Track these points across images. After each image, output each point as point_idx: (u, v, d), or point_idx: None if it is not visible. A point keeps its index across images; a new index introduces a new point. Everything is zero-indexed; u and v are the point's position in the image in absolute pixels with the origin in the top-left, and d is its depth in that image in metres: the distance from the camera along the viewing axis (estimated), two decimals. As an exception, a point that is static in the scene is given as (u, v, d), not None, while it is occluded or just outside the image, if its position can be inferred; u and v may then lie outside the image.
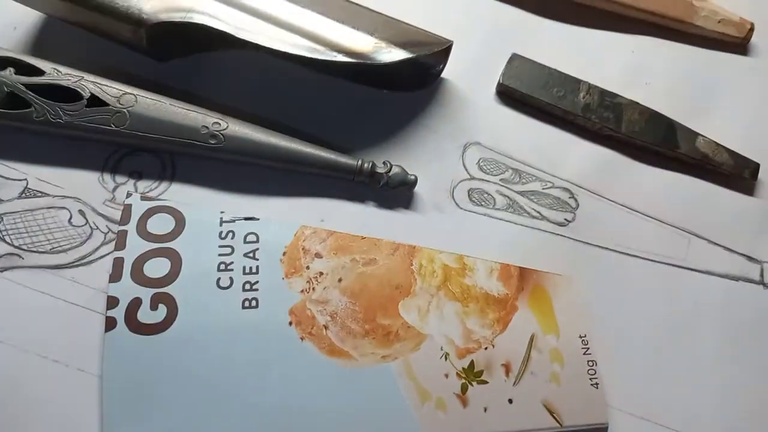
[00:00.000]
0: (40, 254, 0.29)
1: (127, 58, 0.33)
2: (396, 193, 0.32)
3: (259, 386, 0.26)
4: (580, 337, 0.29)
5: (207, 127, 0.30)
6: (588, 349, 0.28)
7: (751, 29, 0.37)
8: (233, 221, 0.30)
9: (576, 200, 0.33)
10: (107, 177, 0.31)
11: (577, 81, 0.35)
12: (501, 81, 0.35)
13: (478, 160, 0.33)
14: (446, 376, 0.27)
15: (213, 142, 0.30)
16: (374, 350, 0.27)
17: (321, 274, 0.29)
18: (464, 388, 0.27)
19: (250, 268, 0.29)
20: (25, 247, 0.29)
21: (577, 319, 0.29)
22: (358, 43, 0.31)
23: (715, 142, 0.34)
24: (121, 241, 0.28)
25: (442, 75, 0.35)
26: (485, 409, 0.27)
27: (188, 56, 0.34)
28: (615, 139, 0.34)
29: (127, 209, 0.29)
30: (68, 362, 0.27)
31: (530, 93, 0.34)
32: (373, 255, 0.30)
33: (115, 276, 0.28)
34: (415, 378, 0.27)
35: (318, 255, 0.29)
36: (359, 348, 0.27)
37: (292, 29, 0.31)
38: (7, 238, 0.29)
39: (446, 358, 0.28)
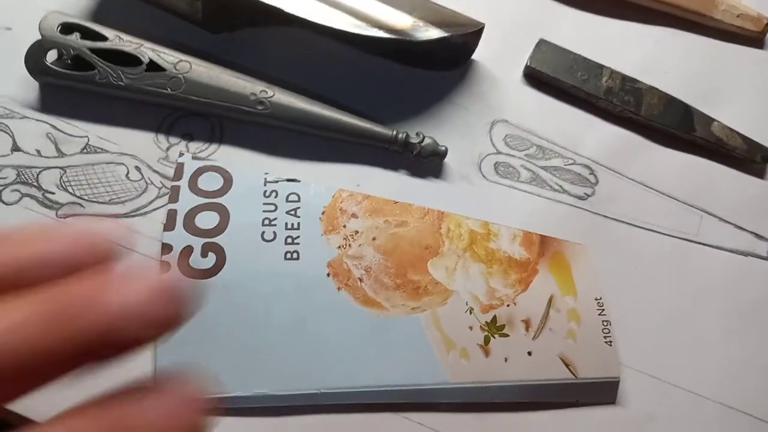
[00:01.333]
0: (100, 204, 0.31)
1: (181, 29, 0.35)
2: (427, 162, 0.34)
3: (298, 329, 0.29)
4: (596, 299, 0.31)
5: (255, 94, 0.33)
6: (603, 310, 0.31)
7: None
8: (276, 182, 0.32)
9: (596, 176, 0.35)
10: (161, 137, 0.33)
11: (600, 66, 0.37)
12: (528, 64, 0.37)
13: (505, 136, 0.35)
14: (470, 328, 0.30)
15: (260, 108, 0.33)
16: (404, 302, 0.30)
17: (356, 232, 0.31)
18: (487, 340, 0.29)
19: (292, 224, 0.31)
20: (86, 197, 0.31)
21: (593, 283, 0.31)
22: (398, 21, 0.34)
23: (729, 128, 0.36)
24: (174, 195, 0.31)
25: (473, 57, 0.37)
26: (506, 359, 0.29)
27: (238, 30, 0.36)
28: (634, 121, 0.36)
29: (179, 167, 0.32)
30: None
31: (556, 76, 0.37)
32: (405, 218, 0.32)
33: (169, 226, 0.30)
34: (441, 329, 0.29)
35: (354, 215, 0.32)
36: (391, 299, 0.30)
37: (337, 5, 0.33)
38: (69, 189, 0.32)
39: (471, 312, 0.30)
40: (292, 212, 0.31)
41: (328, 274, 0.30)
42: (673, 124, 0.36)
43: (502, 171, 0.34)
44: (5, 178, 0.31)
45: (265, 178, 0.32)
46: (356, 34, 0.33)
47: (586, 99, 0.37)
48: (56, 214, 0.31)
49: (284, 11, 0.33)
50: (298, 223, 0.31)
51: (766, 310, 0.32)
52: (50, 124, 0.33)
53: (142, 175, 0.32)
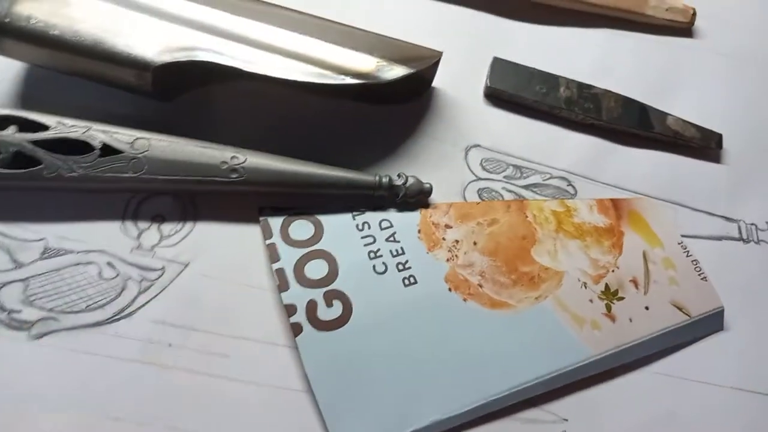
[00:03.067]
0: (77, 314, 0.28)
1: (126, 101, 0.32)
2: (414, 202, 0.33)
3: (443, 349, 0.29)
4: (679, 243, 0.34)
5: (226, 162, 0.31)
6: (688, 251, 0.34)
7: (694, 14, 0.41)
8: (363, 213, 0.32)
9: (574, 187, 0.35)
10: (129, 225, 0.30)
11: (556, 77, 0.38)
12: (488, 84, 0.37)
13: (481, 161, 0.35)
14: (590, 301, 0.31)
15: (234, 176, 0.31)
16: (526, 294, 0.31)
17: (457, 241, 0.32)
18: (608, 307, 0.31)
19: (396, 250, 0.31)
20: (58, 309, 0.28)
21: (670, 229, 0.34)
22: (361, 65, 0.32)
23: (682, 120, 0.38)
24: (273, 253, 0.30)
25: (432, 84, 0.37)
26: (630, 320, 0.31)
27: (189, 92, 0.34)
28: (597, 126, 0.37)
29: (265, 224, 0.31)
30: (132, 419, 0.27)
31: (516, 92, 0.37)
32: (492, 215, 0.33)
33: (283, 285, 0.29)
34: (567, 309, 0.31)
35: (448, 226, 0.32)
36: (514, 296, 0.31)
37: (297, 57, 0.32)
38: (38, 303, 0.28)
39: (585, 287, 0.32)
40: (391, 239, 0.32)
41: (450, 289, 0.31)
42: (633, 125, 0.37)
43: (486, 197, 0.34)
44: (-43, 304, 0.28)
45: (352, 214, 0.32)
46: (323, 84, 0.31)
47: (549, 111, 0.37)
48: (29, 335, 0.27)
49: (242, 70, 0.31)
50: (402, 248, 0.31)
51: (745, 286, 0.34)
52: (-2, 233, 0.29)
53: (117, 270, 0.29)
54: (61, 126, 0.30)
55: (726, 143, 0.38)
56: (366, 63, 0.32)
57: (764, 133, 0.39)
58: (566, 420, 0.29)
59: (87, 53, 0.30)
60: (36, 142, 0.29)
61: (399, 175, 0.33)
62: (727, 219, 0.36)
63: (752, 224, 0.36)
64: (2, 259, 0.29)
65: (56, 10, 0.31)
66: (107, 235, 0.30)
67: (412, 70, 0.33)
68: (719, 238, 0.35)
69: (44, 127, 0.30)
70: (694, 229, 0.35)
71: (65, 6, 0.31)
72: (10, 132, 0.29)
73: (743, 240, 0.35)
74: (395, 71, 0.33)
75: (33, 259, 0.29)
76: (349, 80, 0.32)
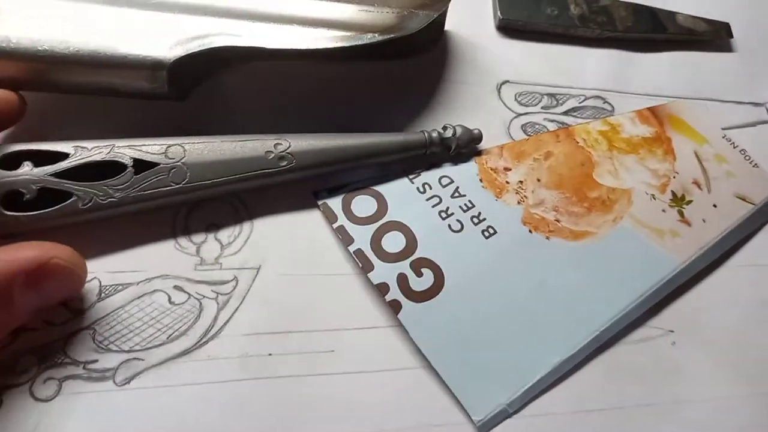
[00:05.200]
0: (159, 347, 0.26)
1: (130, 110, 0.29)
2: (464, 152, 0.32)
3: (544, 293, 0.28)
4: (723, 137, 0.34)
5: (271, 152, 0.28)
6: (733, 142, 0.34)
7: None
8: (418, 174, 0.31)
9: (609, 103, 0.35)
10: (184, 241, 0.28)
11: (562, -5, 0.37)
12: (501, 16, 0.36)
13: (515, 96, 0.34)
14: (663, 211, 0.31)
15: (284, 164, 0.28)
16: (603, 219, 0.31)
17: (521, 182, 0.31)
18: (681, 213, 0.31)
19: (465, 204, 0.30)
20: (139, 347, 0.25)
21: (711, 124, 0.35)
22: (384, 19, 0.30)
23: (690, 16, 0.37)
24: (346, 236, 0.29)
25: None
26: (704, 221, 0.31)
27: (199, 86, 0.31)
28: (613, 39, 0.37)
29: (326, 208, 0.29)
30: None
31: (530, 19, 0.36)
32: (545, 149, 0.32)
33: (367, 266, 0.28)
34: (644, 224, 0.31)
35: (507, 168, 0.31)
36: (592, 223, 0.30)
37: (317, 24, 0.29)
38: (113, 347, 0.25)
39: (654, 198, 0.32)
40: (456, 194, 0.30)
41: (530, 231, 0.30)
42: (647, 30, 0.37)
43: (531, 131, 0.33)
44: (26, 371, 0.24)
45: (408, 177, 0.31)
46: (350, 47, 0.29)
47: (565, 33, 0.36)
48: (115, 383, 0.25)
49: (267, 48, 0.28)
50: (470, 201, 0.30)
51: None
52: (43, 283, 0.26)
53: (188, 292, 0.27)
54: (81, 150, 0.26)
55: (734, 32, 0.38)
56: (387, 18, 0.30)
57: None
58: (672, 331, 0.29)
59: (87, 63, 0.27)
60: (59, 174, 0.26)
61: (444, 128, 0.31)
62: (755, 104, 0.36)
63: (778, 104, 0.37)
64: (56, 310, 0.26)
65: (38, 23, 0.27)
66: (164, 258, 0.27)
67: (435, 14, 0.31)
68: (753, 124, 0.36)
69: (63, 156, 0.26)
70: (728, 120, 0.36)
71: (46, 17, 0.27)
72: (27, 169, 0.25)
73: (774, 121, 0.36)
74: (419, 19, 0.31)
75: (90, 302, 0.26)
76: (378, 38, 0.29)
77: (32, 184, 0.25)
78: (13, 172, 0.25)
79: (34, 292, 0.23)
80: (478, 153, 0.32)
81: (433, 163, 0.31)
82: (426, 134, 0.31)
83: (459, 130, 0.31)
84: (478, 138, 0.32)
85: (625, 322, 0.28)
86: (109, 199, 0.26)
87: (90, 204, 0.26)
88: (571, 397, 0.27)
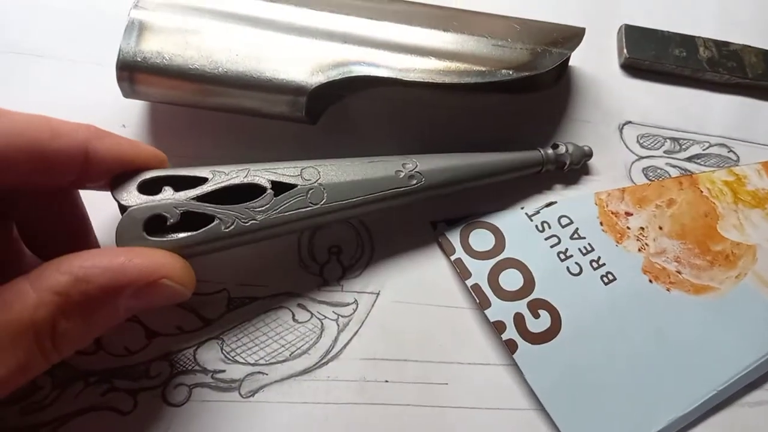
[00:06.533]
0: (282, 363, 0.27)
1: (255, 134, 0.30)
2: (577, 168, 0.32)
3: (663, 344, 0.28)
4: None
5: (401, 171, 0.29)
6: None
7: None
8: (538, 212, 0.31)
9: (734, 152, 0.34)
10: (308, 261, 0.29)
11: (692, 38, 0.36)
12: (627, 54, 0.35)
13: (637, 138, 0.34)
14: None
15: (414, 182, 0.28)
16: (726, 275, 0.30)
17: (642, 228, 0.31)
18: None
19: (585, 247, 0.30)
20: (263, 361, 0.26)
21: None
22: (518, 56, 0.30)
23: (826, 65, 0.36)
24: (463, 270, 0.29)
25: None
26: None
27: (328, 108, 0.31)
28: (742, 85, 0.36)
29: (444, 240, 0.30)
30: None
31: (657, 60, 0.35)
32: (668, 196, 0.32)
33: (484, 302, 0.28)
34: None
35: (628, 213, 0.31)
36: (715, 278, 0.30)
37: (452, 57, 0.29)
38: (240, 359, 0.26)
39: None
40: (576, 236, 0.30)
41: (650, 280, 0.29)
42: (779, 78, 0.35)
43: (652, 175, 0.33)
44: (156, 375, 0.26)
45: (525, 213, 0.30)
46: (485, 83, 0.29)
47: (692, 75, 0.35)
48: (240, 394, 0.26)
49: (404, 80, 0.29)
50: (589, 244, 0.30)
51: None
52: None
53: (311, 311, 0.28)
54: (219, 174, 0.27)
55: None
56: (521, 54, 0.30)
57: None
58: (793, 397, 0.28)
59: (233, 84, 0.28)
60: (200, 198, 0.26)
61: (555, 145, 0.31)
62: None
63: None
64: (187, 317, 0.27)
65: (188, 40, 0.28)
66: (289, 276, 0.28)
67: (568, 53, 0.31)
68: None
69: (202, 180, 0.27)
70: None
71: (196, 34, 0.28)
72: (169, 193, 0.26)
73: None
74: (553, 56, 0.31)
75: (220, 312, 0.27)
76: (512, 74, 0.30)
77: (175, 208, 0.26)
78: (156, 197, 0.25)
79: (138, 303, 0.23)
80: (587, 171, 0.32)
81: (546, 187, 0.31)
82: (542, 152, 0.31)
83: (570, 147, 0.31)
84: (589, 154, 0.32)
85: (743, 383, 0.28)
86: (251, 222, 0.26)
87: (232, 227, 0.26)
88: (686, 457, 0.26)
